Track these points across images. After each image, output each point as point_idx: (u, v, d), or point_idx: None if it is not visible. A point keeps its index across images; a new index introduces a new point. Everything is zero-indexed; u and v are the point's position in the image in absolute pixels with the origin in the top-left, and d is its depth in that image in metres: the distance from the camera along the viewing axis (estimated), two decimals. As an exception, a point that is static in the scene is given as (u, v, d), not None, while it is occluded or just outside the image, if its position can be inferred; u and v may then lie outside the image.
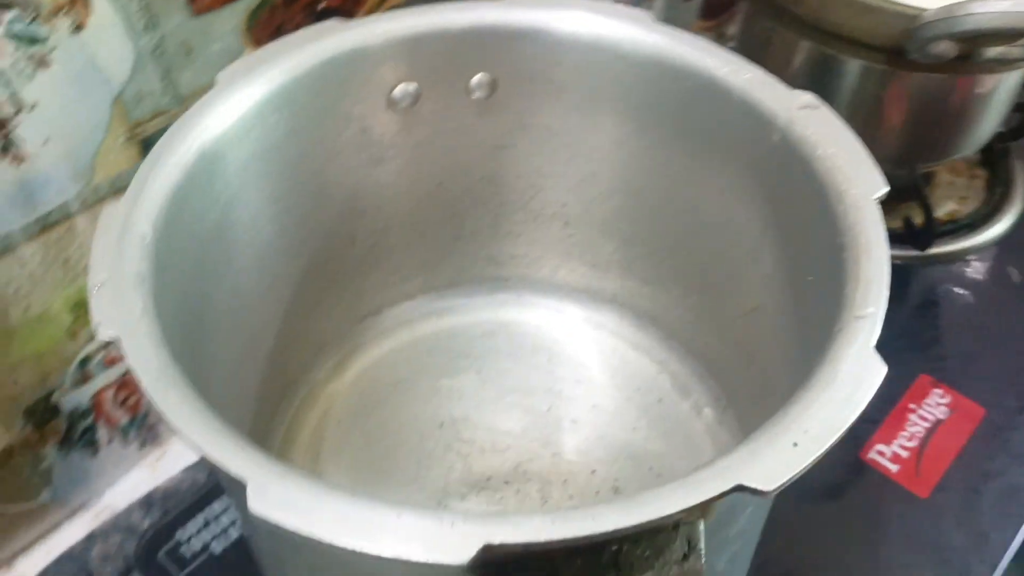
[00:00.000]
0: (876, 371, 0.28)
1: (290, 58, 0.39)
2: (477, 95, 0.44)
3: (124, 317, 0.30)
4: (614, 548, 0.25)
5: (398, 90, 0.43)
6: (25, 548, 0.48)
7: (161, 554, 0.47)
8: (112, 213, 0.33)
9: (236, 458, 0.26)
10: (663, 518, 0.24)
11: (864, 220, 0.33)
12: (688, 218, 0.45)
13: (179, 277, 0.34)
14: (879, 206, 0.33)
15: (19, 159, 0.38)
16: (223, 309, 0.39)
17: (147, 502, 0.49)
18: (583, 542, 0.23)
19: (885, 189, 0.33)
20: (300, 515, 0.24)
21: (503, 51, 0.42)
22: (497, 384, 0.49)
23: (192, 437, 0.27)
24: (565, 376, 0.50)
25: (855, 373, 0.28)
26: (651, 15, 0.41)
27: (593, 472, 0.46)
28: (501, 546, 0.23)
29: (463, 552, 0.23)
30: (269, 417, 0.47)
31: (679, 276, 0.47)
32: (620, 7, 0.41)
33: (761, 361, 0.43)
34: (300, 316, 0.47)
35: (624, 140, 0.44)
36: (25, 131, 0.38)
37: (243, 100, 0.38)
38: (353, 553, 0.24)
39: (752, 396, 0.45)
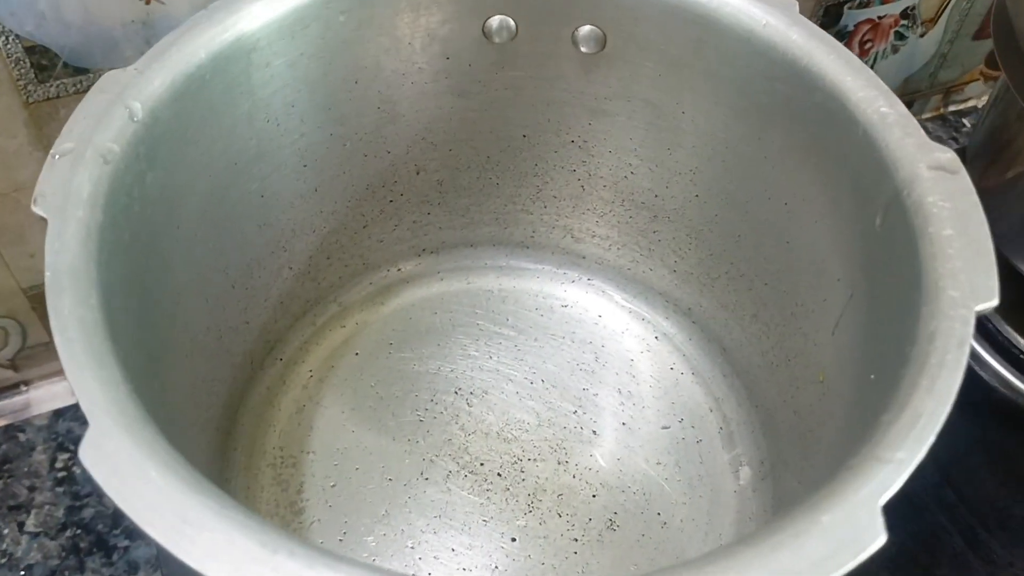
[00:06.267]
0: (872, 535, 0.22)
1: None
2: (584, 49, 0.38)
3: (66, 199, 0.27)
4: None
5: (495, 20, 0.38)
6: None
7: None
8: (114, 78, 0.30)
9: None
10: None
11: (947, 336, 0.25)
12: (782, 252, 0.37)
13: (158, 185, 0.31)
14: (975, 322, 0.25)
15: None
16: (243, 215, 0.36)
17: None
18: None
19: (994, 303, 0.26)
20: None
21: (616, 6, 0.36)
22: (531, 366, 0.45)
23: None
24: (607, 381, 0.44)
25: (844, 534, 0.22)
26: (797, 5, 0.33)
27: (594, 496, 0.41)
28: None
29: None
30: (286, 327, 0.44)
31: (760, 311, 0.41)
32: (767, -13, 0.34)
33: (818, 441, 0.36)
34: (348, 233, 0.44)
35: (735, 143, 0.37)
36: None
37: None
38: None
39: (797, 474, 0.38)
